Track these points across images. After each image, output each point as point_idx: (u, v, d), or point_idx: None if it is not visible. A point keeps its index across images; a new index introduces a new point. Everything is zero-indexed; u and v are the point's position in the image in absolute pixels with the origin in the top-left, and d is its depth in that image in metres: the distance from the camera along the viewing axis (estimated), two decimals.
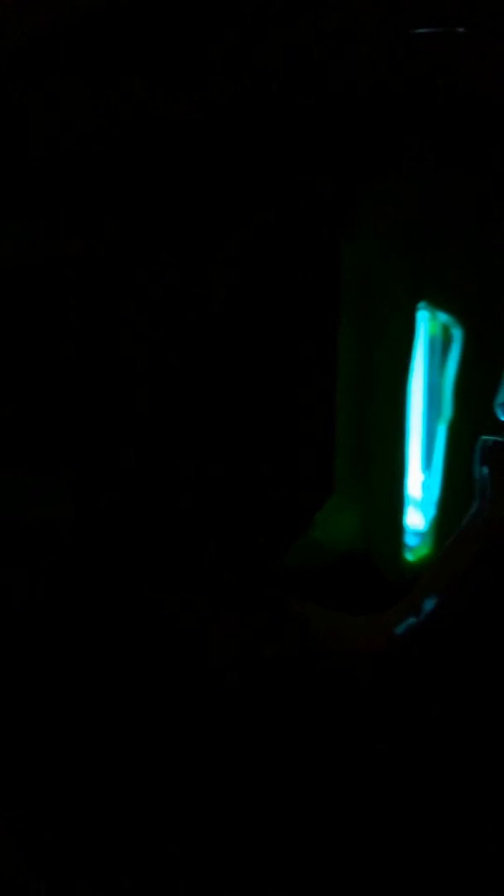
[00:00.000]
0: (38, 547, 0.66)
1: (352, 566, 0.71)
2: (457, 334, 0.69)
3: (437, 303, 0.68)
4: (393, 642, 0.61)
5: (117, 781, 0.64)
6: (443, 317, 0.69)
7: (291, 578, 0.69)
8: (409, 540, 0.72)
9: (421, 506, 0.72)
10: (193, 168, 0.65)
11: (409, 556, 0.71)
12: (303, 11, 0.64)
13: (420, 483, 0.72)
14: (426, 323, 0.70)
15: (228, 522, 0.67)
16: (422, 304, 0.68)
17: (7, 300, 0.67)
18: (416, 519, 0.72)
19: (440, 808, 0.61)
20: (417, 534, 0.72)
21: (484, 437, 0.61)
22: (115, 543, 0.66)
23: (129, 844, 0.64)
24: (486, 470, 0.60)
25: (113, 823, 0.64)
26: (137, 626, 0.63)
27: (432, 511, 0.71)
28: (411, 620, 0.61)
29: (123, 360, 0.67)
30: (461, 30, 0.59)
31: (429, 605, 0.61)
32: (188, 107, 0.64)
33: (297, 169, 0.65)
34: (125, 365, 0.67)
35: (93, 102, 0.65)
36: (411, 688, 0.61)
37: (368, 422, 0.70)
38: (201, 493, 0.67)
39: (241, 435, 0.67)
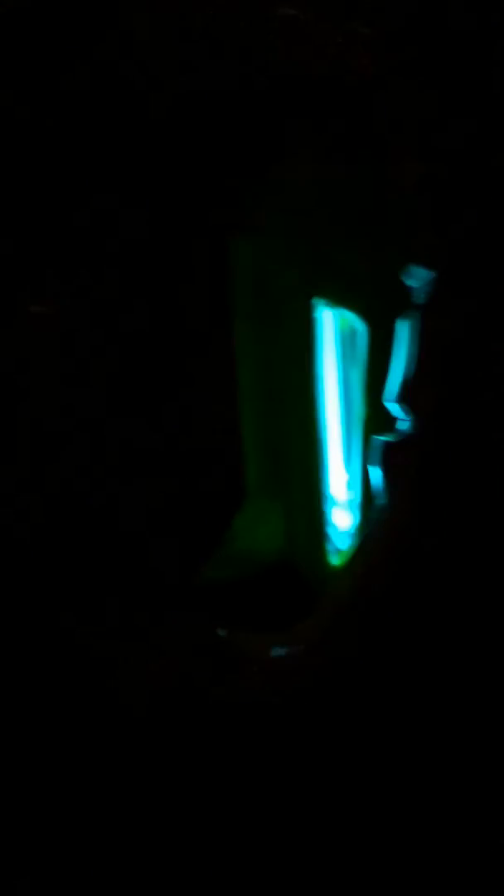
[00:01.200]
0: None
1: (278, 573, 0.70)
2: (361, 328, 0.66)
3: (335, 298, 0.66)
4: (304, 655, 0.59)
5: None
6: (348, 313, 0.67)
7: (217, 591, 0.68)
8: (339, 542, 0.70)
9: (348, 506, 0.70)
10: (61, 170, 0.63)
11: (336, 560, 0.69)
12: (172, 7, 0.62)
13: (344, 483, 0.70)
14: (335, 320, 0.68)
15: (139, 541, 0.66)
16: (322, 301, 0.66)
17: None
18: (343, 520, 0.70)
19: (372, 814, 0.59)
20: (346, 535, 0.70)
21: (375, 438, 0.58)
22: (22, 568, 0.65)
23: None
24: (379, 472, 0.58)
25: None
26: (48, 655, 0.62)
27: (357, 511, 0.69)
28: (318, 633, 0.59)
29: (27, 379, 0.66)
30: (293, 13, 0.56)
31: (335, 613, 0.59)
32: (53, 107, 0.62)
33: (174, 168, 0.63)
34: (29, 382, 0.66)
35: None
36: (328, 694, 0.59)
37: (280, 424, 0.68)
38: (110, 514, 0.66)
39: (147, 448, 0.66)
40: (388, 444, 0.57)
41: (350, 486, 0.69)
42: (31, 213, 0.64)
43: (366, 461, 0.67)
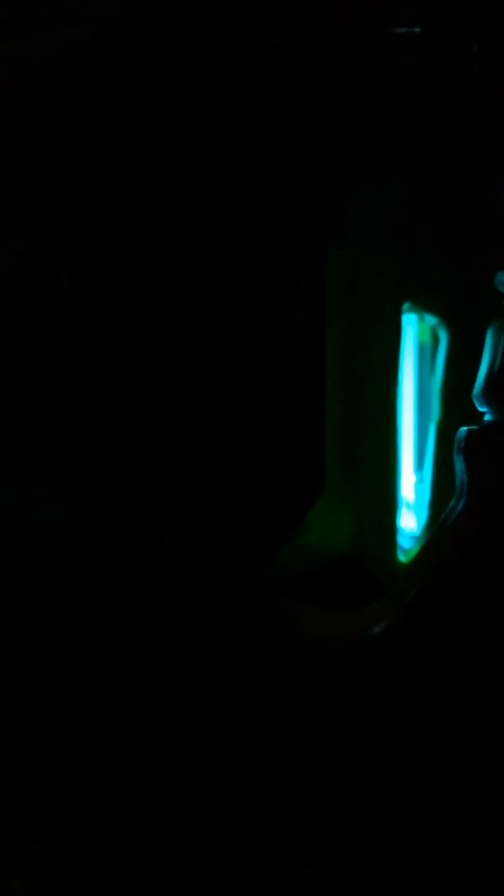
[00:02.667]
0: (32, 554, 0.68)
1: (345, 569, 0.72)
2: (443, 336, 0.69)
3: (423, 305, 0.69)
4: (373, 634, 0.61)
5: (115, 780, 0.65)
6: (430, 319, 0.70)
7: (285, 581, 0.70)
8: (403, 542, 0.72)
9: (414, 508, 0.72)
10: (188, 178, 0.67)
11: (403, 558, 0.71)
12: (296, 21, 0.66)
13: (413, 485, 0.72)
14: (415, 326, 0.71)
15: (222, 524, 0.68)
16: (408, 307, 0.69)
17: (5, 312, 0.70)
18: (409, 521, 0.72)
19: (426, 797, 0.61)
20: (411, 536, 0.72)
21: (461, 428, 0.61)
22: (109, 549, 0.68)
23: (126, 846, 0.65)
24: (462, 459, 0.60)
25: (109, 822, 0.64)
26: (134, 628, 0.64)
27: (425, 512, 0.71)
28: (391, 615, 0.61)
29: (118, 369, 0.69)
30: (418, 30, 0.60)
31: (407, 598, 0.61)
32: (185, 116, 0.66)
33: (287, 178, 0.67)
34: (119, 372, 0.69)
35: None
36: (392, 676, 0.60)
37: (360, 424, 0.71)
38: (195, 496, 0.68)
39: (232, 439, 0.69)
40: (472, 433, 0.60)
41: (419, 488, 0.72)
42: (144, 212, 0.68)
43: (438, 463, 0.70)
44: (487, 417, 0.61)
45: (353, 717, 0.61)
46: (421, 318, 0.71)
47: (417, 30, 0.61)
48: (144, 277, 0.69)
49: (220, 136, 0.67)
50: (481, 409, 0.61)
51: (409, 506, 0.72)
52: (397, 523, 0.71)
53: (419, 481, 0.72)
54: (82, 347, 0.69)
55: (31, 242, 0.70)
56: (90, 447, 0.70)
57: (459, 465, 0.61)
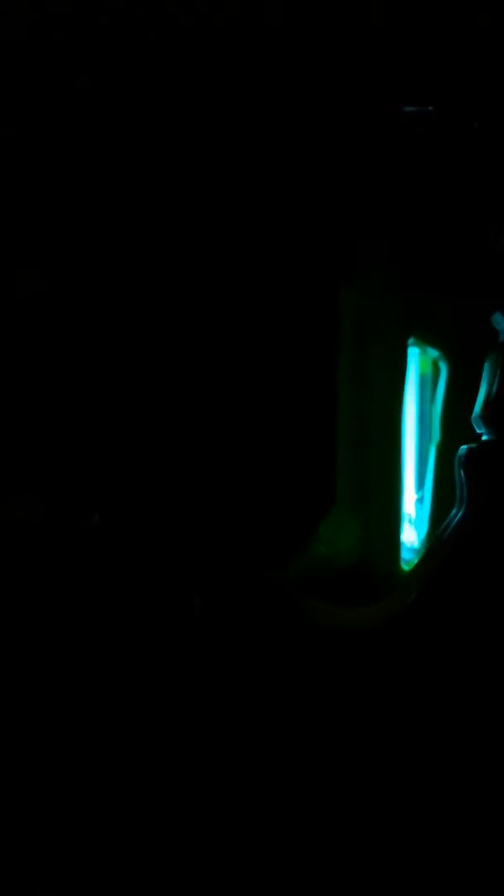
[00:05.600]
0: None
1: (352, 578, 0.79)
2: (444, 367, 0.77)
3: (426, 340, 0.77)
4: (380, 626, 0.68)
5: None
6: (432, 352, 0.78)
7: (295, 588, 0.77)
8: (405, 554, 0.79)
9: (415, 523, 0.80)
10: (210, 221, 0.76)
11: (406, 568, 0.79)
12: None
13: (414, 502, 0.80)
14: (417, 358, 0.80)
15: (240, 531, 0.76)
16: (412, 341, 0.78)
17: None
18: (410, 535, 0.80)
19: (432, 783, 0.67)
20: (412, 549, 0.79)
21: (462, 447, 0.69)
22: (134, 549, 0.75)
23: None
24: (462, 474, 0.68)
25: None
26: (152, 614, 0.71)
27: (425, 527, 0.79)
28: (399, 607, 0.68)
29: (156, 397, 0.78)
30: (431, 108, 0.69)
31: (413, 591, 0.68)
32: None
33: (305, 228, 0.76)
34: (155, 402, 0.78)
35: None
36: (397, 663, 0.67)
37: (367, 446, 0.79)
38: (218, 506, 0.76)
39: (253, 458, 0.77)
40: (472, 451, 0.68)
41: (419, 505, 0.80)
42: (176, 257, 0.77)
43: (437, 482, 0.78)
44: (485, 437, 0.69)
45: (359, 701, 0.67)
46: (423, 352, 0.79)
47: (426, 108, 0.70)
48: (179, 311, 0.77)
49: (247, 187, 0.76)
50: (479, 430, 0.69)
51: (410, 521, 0.80)
52: (401, 536, 0.79)
53: (419, 499, 0.80)
54: (122, 371, 0.78)
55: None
56: (121, 462, 0.77)
57: (459, 479, 0.69)
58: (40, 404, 0.77)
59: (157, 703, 0.70)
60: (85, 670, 0.71)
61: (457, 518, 0.68)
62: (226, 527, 0.76)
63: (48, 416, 0.77)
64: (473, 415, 0.69)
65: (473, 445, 0.68)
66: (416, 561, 0.78)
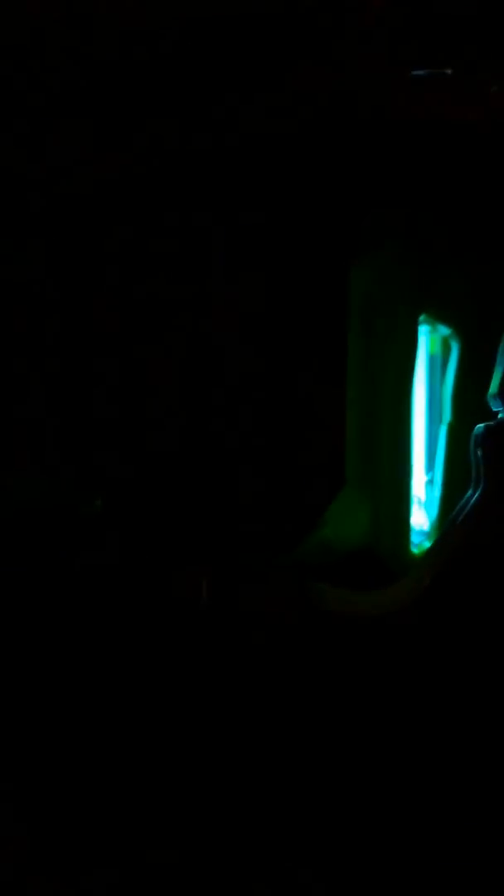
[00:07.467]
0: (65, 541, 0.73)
1: (360, 562, 0.77)
2: (455, 346, 0.76)
3: (437, 317, 0.75)
4: (393, 611, 0.66)
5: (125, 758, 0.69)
6: (443, 331, 0.76)
7: (304, 572, 0.75)
8: (415, 538, 0.78)
9: (425, 506, 0.78)
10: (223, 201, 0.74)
11: (416, 552, 0.77)
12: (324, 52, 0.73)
13: (423, 484, 0.78)
14: (427, 336, 0.78)
15: (252, 512, 0.74)
16: (422, 319, 0.76)
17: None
18: (420, 518, 0.78)
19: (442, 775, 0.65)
20: (422, 532, 0.78)
21: (478, 425, 0.67)
22: (144, 533, 0.73)
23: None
24: (479, 452, 0.66)
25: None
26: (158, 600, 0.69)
27: (435, 510, 0.77)
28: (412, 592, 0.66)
29: (153, 380, 0.76)
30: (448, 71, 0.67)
31: (428, 577, 0.66)
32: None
33: (313, 202, 0.74)
34: (154, 379, 0.75)
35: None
36: (409, 651, 0.66)
37: (376, 428, 0.77)
38: (226, 489, 0.74)
39: (262, 440, 0.75)
40: (490, 429, 0.66)
41: (429, 487, 0.78)
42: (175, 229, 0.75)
43: (447, 463, 0.76)
44: (501, 415, 0.67)
45: (372, 691, 0.66)
46: (434, 330, 0.77)
47: (443, 71, 0.68)
48: (183, 285, 0.75)
49: (252, 162, 0.74)
50: (496, 408, 0.67)
51: (420, 503, 0.78)
52: (410, 519, 0.77)
53: (429, 481, 0.78)
54: (126, 354, 0.75)
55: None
56: (123, 447, 0.75)
57: (476, 458, 0.67)
58: (42, 391, 0.75)
59: (164, 690, 0.68)
60: (89, 653, 0.69)
61: (474, 498, 0.66)
62: (232, 510, 0.74)
63: (49, 401, 0.75)
64: (490, 392, 0.68)
65: (491, 423, 0.66)
66: (426, 544, 0.77)
